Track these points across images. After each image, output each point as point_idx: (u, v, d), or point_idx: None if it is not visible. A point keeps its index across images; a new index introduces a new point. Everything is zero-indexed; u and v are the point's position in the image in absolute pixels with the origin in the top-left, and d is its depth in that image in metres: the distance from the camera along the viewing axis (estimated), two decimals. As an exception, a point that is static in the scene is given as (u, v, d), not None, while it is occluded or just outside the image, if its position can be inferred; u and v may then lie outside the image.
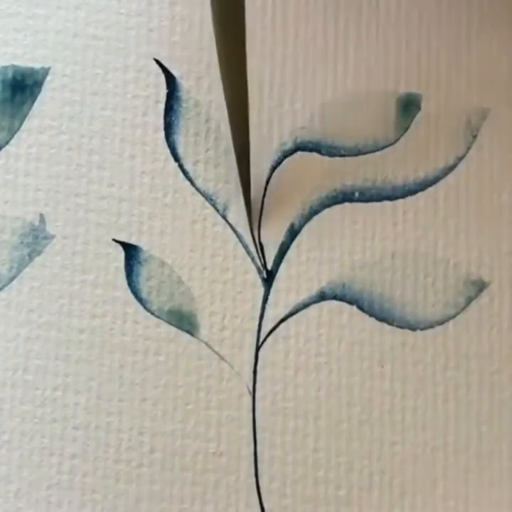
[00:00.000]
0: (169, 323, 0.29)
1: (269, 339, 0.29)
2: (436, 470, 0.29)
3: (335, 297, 0.30)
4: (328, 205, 0.30)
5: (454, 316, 0.29)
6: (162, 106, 0.31)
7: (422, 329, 0.29)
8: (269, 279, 0.30)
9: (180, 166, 0.30)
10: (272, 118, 0.31)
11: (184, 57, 0.31)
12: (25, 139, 0.30)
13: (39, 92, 0.31)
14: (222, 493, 0.29)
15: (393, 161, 0.30)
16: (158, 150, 0.30)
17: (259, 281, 0.30)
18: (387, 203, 0.30)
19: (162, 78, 0.31)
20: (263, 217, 0.30)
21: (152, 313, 0.29)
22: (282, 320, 0.29)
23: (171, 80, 0.31)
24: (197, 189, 0.30)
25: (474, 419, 0.29)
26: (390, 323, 0.29)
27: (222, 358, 0.29)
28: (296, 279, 0.30)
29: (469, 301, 0.30)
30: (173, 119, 0.31)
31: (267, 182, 0.30)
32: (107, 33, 0.31)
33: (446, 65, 0.31)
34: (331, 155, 0.30)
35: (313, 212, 0.30)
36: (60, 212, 0.30)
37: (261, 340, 0.29)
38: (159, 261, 0.30)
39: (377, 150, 0.30)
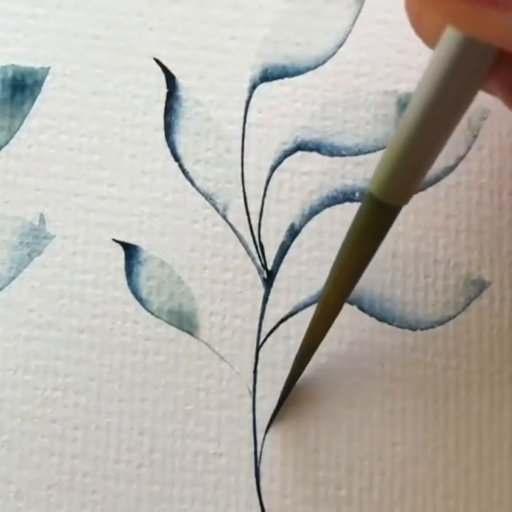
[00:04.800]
0: (169, 323, 0.29)
1: (269, 339, 0.29)
2: (436, 470, 0.29)
3: (335, 297, 0.30)
4: (328, 205, 0.30)
5: (454, 316, 0.29)
6: (162, 106, 0.31)
7: (422, 329, 0.29)
8: (269, 279, 0.30)
9: (181, 166, 0.30)
10: (272, 118, 0.31)
11: (184, 57, 0.31)
12: (25, 138, 0.30)
13: (39, 92, 0.31)
14: (222, 493, 0.29)
15: (393, 161, 0.30)
16: (158, 150, 0.30)
17: (260, 281, 0.30)
18: (387, 203, 0.30)
19: (162, 78, 0.31)
20: (263, 217, 0.30)
21: (152, 313, 0.29)
22: (282, 320, 0.29)
23: (171, 80, 0.31)
24: (197, 189, 0.30)
25: (474, 419, 0.29)
26: (390, 323, 0.29)
27: (222, 358, 0.29)
28: (297, 279, 0.30)
29: (469, 301, 0.30)
30: (173, 118, 0.31)
31: (267, 182, 0.30)
32: (107, 33, 0.31)
33: (446, 65, 0.31)
34: (331, 155, 0.30)
35: (314, 212, 0.30)
36: (60, 212, 0.30)
37: (261, 340, 0.29)
38: (159, 261, 0.30)
39: (378, 150, 0.30)
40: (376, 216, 0.25)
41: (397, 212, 0.25)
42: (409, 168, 0.24)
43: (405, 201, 0.25)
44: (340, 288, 0.27)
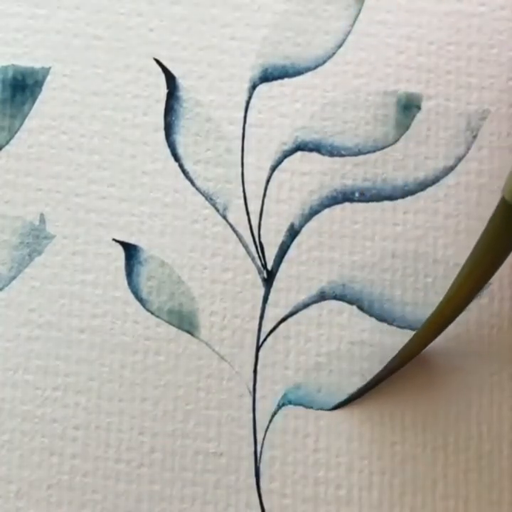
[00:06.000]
0: (169, 323, 0.29)
1: (269, 339, 0.29)
2: (436, 470, 0.29)
3: (335, 297, 0.30)
4: (328, 205, 0.30)
5: (453, 316, 0.29)
6: (162, 106, 0.31)
7: (422, 329, 0.29)
8: (269, 279, 0.30)
9: (181, 166, 0.30)
10: (272, 118, 0.31)
11: (184, 57, 0.31)
12: (25, 139, 0.30)
13: (39, 92, 0.31)
14: (222, 493, 0.29)
15: (393, 161, 0.30)
16: (158, 150, 0.30)
17: (260, 281, 0.30)
18: (387, 203, 0.30)
19: (162, 78, 0.31)
20: (263, 217, 0.30)
21: (152, 313, 0.29)
22: (282, 320, 0.29)
23: (171, 80, 0.31)
24: (197, 189, 0.30)
25: (474, 419, 0.29)
26: (390, 323, 0.29)
27: (222, 358, 0.29)
28: (296, 279, 0.30)
29: (469, 301, 0.30)
30: (173, 119, 0.31)
31: (267, 182, 0.30)
32: (107, 33, 0.31)
33: (446, 65, 0.31)
34: (331, 155, 0.30)
35: (313, 212, 0.30)
36: (60, 212, 0.30)
37: (261, 340, 0.29)
38: (159, 261, 0.30)
39: (377, 150, 0.30)
40: (509, 220, 0.25)
41: None
42: None
43: None
44: (466, 288, 0.26)
